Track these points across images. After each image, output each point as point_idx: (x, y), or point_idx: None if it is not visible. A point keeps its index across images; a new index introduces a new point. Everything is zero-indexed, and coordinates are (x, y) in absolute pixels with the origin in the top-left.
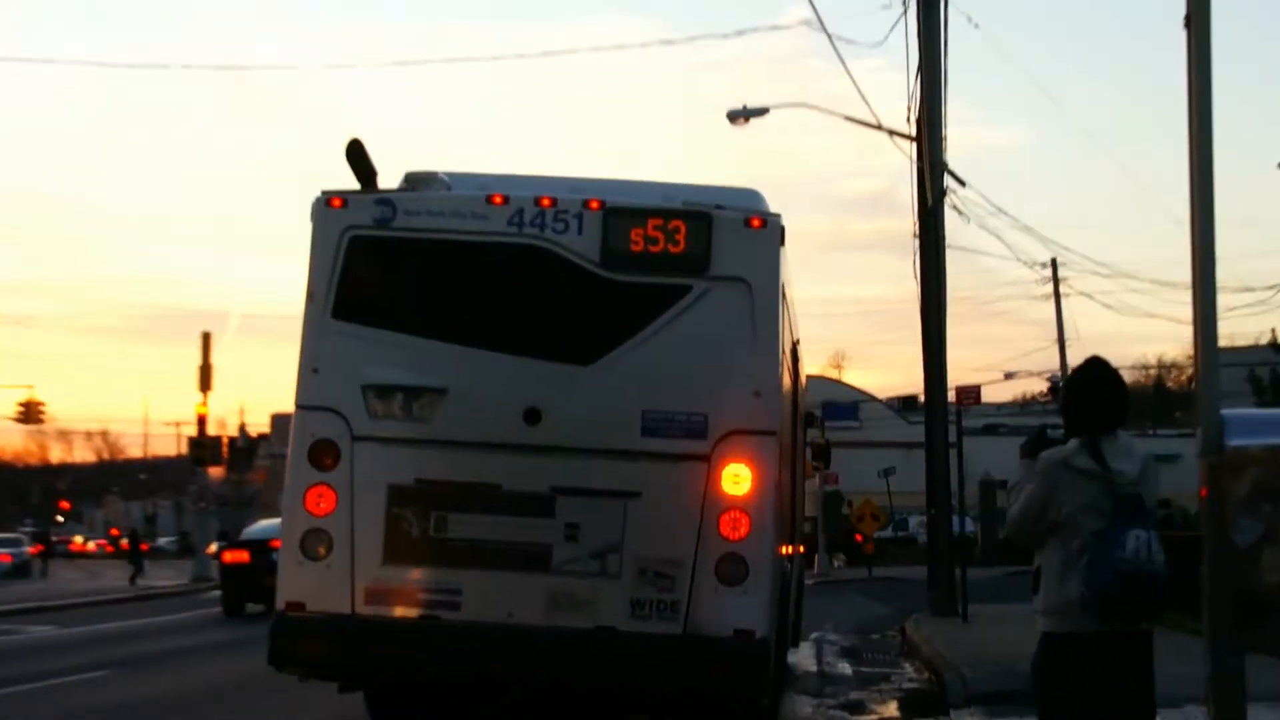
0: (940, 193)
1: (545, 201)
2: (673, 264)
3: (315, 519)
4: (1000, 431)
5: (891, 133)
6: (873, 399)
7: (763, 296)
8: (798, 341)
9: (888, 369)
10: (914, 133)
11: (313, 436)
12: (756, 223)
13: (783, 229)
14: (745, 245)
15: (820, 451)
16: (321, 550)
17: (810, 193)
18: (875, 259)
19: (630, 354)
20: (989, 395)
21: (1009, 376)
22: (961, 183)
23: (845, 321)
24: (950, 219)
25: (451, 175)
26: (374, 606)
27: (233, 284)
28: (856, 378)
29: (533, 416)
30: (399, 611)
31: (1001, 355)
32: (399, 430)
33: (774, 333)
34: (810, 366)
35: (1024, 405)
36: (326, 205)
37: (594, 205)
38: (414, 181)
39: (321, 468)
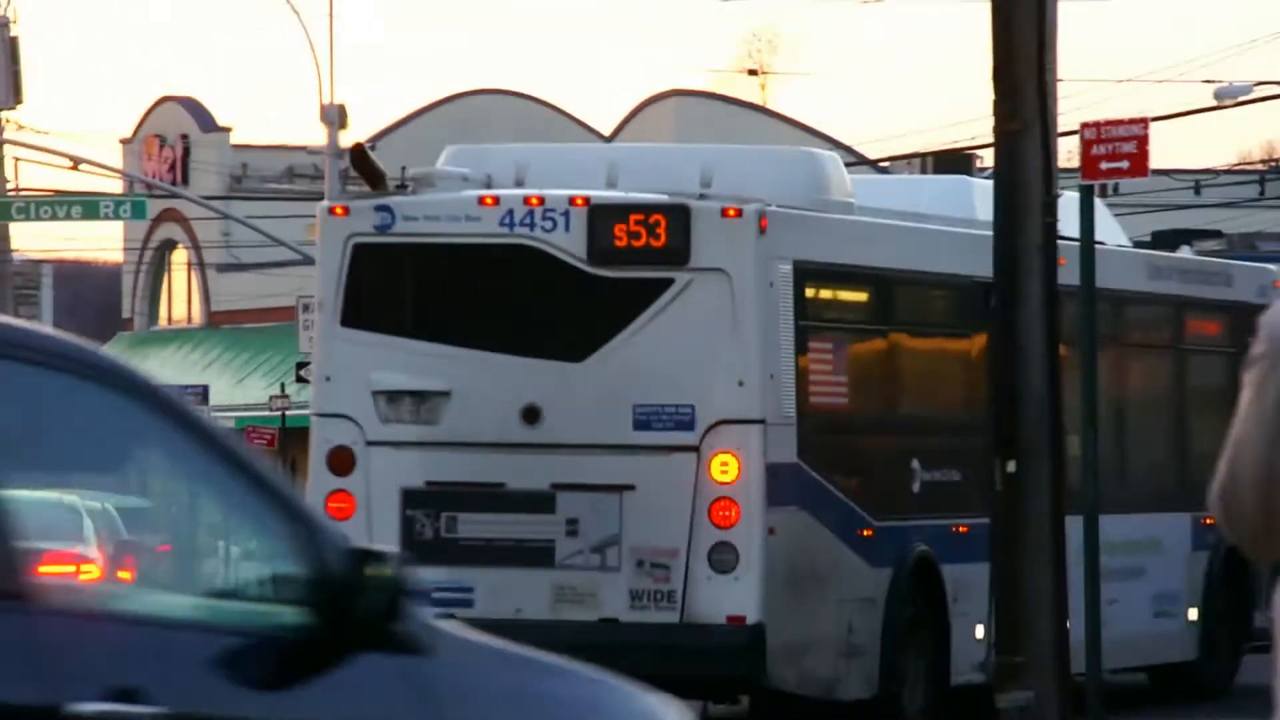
0: None
1: (534, 200)
2: (655, 257)
3: (336, 524)
4: None
5: None
6: None
7: (743, 285)
8: None
9: None
10: None
11: (329, 443)
12: (732, 212)
13: (762, 215)
14: (724, 236)
15: None
16: None
17: None
18: None
19: (619, 349)
20: None
21: None
22: None
23: None
24: None
25: (483, 150)
26: None
27: None
28: None
29: (531, 415)
30: None
31: None
32: (409, 434)
33: (759, 321)
34: None
35: None
36: (330, 214)
37: (579, 202)
38: (415, 182)
39: (339, 473)
